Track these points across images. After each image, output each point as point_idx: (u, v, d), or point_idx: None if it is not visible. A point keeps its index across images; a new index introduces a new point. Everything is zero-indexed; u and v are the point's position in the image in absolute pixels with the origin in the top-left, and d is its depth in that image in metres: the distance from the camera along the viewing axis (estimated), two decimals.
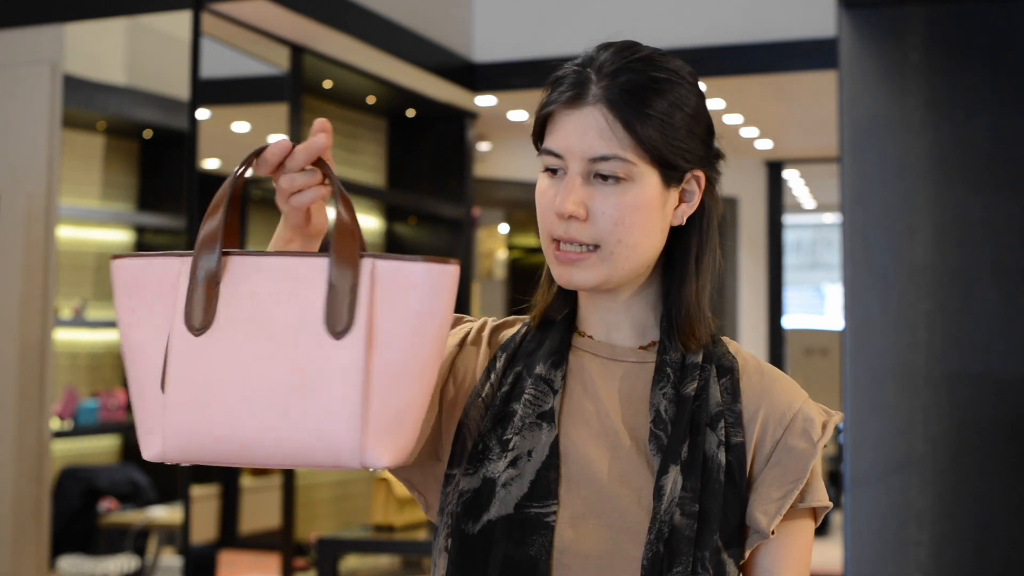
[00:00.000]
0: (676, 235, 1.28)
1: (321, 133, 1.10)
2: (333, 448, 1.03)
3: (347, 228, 1.06)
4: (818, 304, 15.82)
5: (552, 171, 1.24)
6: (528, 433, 1.23)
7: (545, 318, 1.32)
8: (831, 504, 1.24)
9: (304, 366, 1.03)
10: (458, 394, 1.31)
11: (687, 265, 1.27)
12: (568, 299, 1.32)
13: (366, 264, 1.05)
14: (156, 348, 1.06)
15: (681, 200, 1.26)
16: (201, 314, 1.05)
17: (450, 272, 1.06)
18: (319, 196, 1.13)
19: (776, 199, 8.70)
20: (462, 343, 1.33)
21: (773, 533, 1.20)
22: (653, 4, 5.48)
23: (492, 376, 1.29)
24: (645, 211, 1.22)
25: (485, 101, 6.01)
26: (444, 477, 1.27)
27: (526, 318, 1.34)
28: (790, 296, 11.58)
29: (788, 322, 9.08)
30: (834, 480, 7.88)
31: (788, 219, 10.09)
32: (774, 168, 8.69)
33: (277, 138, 1.14)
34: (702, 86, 1.27)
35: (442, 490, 1.27)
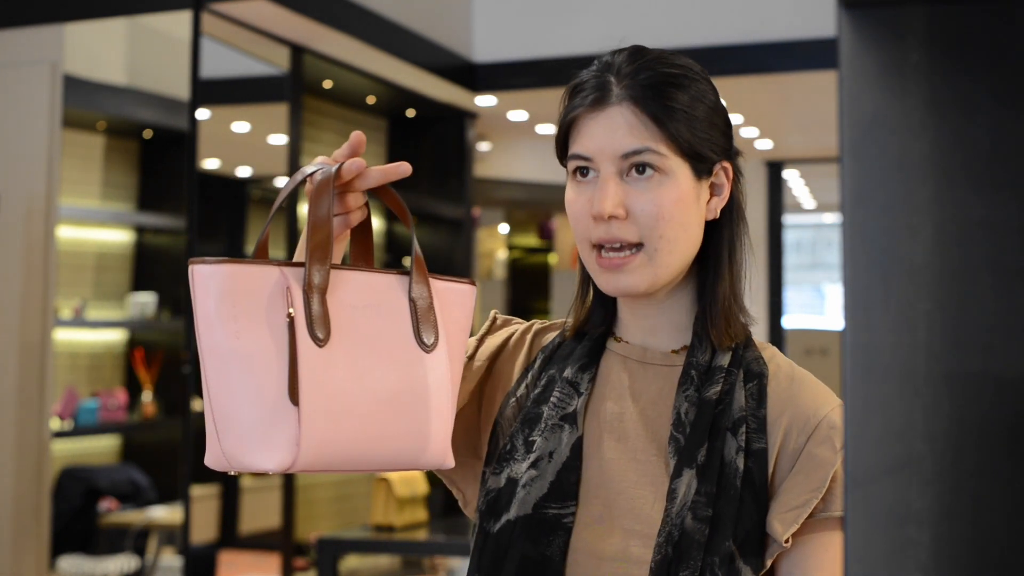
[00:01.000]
0: (707, 231, 1.28)
1: (405, 164, 1.13)
2: (427, 453, 1.12)
3: (417, 252, 1.15)
4: (818, 304, 15.82)
5: (581, 173, 1.23)
6: (551, 434, 1.24)
7: (580, 331, 1.31)
8: None
9: (406, 377, 1.12)
10: (495, 393, 1.32)
11: (720, 258, 1.27)
12: (606, 313, 1.31)
13: (432, 282, 1.16)
14: (272, 358, 1.05)
15: (712, 194, 1.26)
16: (322, 326, 1.06)
17: (475, 292, 1.20)
18: (362, 218, 1.16)
19: (776, 199, 8.71)
20: (504, 344, 1.35)
21: (788, 542, 1.17)
22: (654, 4, 5.48)
23: (529, 377, 1.30)
24: (682, 205, 1.21)
25: (485, 101, 6.01)
26: (481, 474, 1.30)
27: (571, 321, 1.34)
28: (790, 296, 11.58)
29: (788, 322, 9.08)
30: None
31: (788, 219, 10.09)
32: (774, 168, 8.70)
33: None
34: None
35: (480, 488, 1.29)
